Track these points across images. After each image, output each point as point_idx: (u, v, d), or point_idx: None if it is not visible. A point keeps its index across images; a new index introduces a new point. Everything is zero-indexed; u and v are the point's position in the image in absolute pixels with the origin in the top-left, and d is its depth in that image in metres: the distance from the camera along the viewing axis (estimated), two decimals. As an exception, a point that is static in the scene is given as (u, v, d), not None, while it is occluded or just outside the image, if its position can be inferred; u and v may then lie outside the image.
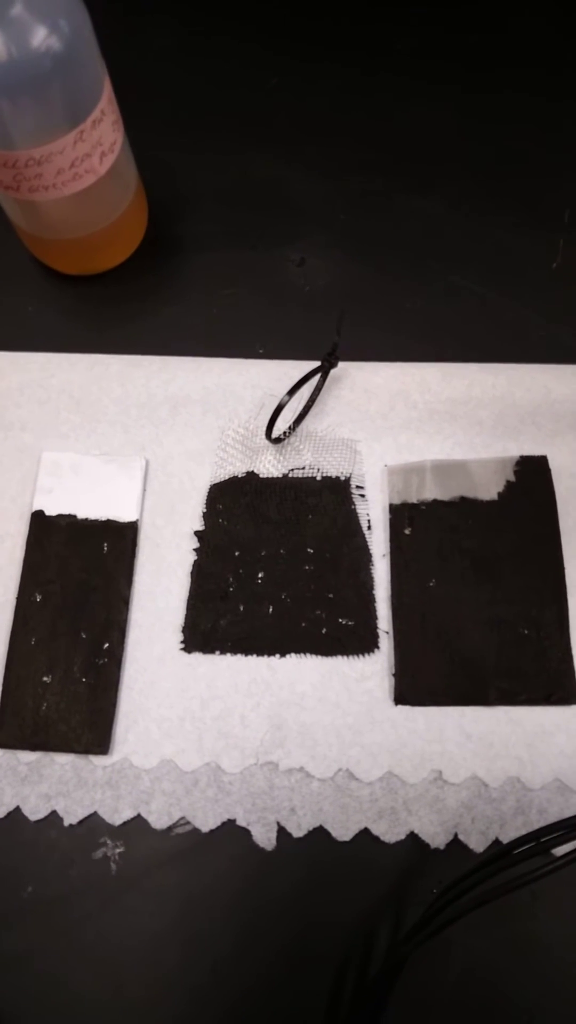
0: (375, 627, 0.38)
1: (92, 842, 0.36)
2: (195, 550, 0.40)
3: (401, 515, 0.40)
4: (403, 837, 0.35)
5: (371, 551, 0.39)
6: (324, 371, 0.41)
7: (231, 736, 0.36)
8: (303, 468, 0.41)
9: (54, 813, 0.36)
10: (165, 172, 0.48)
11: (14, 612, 0.38)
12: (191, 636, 0.38)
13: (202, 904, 0.35)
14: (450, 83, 0.52)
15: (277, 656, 0.38)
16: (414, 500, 0.40)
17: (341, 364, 0.42)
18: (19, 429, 0.42)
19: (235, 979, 0.34)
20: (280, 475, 0.41)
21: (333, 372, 0.42)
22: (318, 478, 0.41)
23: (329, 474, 0.41)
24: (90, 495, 0.40)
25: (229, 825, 0.35)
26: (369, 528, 0.40)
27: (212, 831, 0.35)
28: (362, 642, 0.38)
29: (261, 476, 0.41)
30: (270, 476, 0.41)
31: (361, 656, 0.38)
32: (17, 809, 0.36)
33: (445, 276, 0.46)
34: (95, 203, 0.41)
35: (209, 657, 0.38)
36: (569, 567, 0.38)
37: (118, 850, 0.35)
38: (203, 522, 0.40)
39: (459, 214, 0.47)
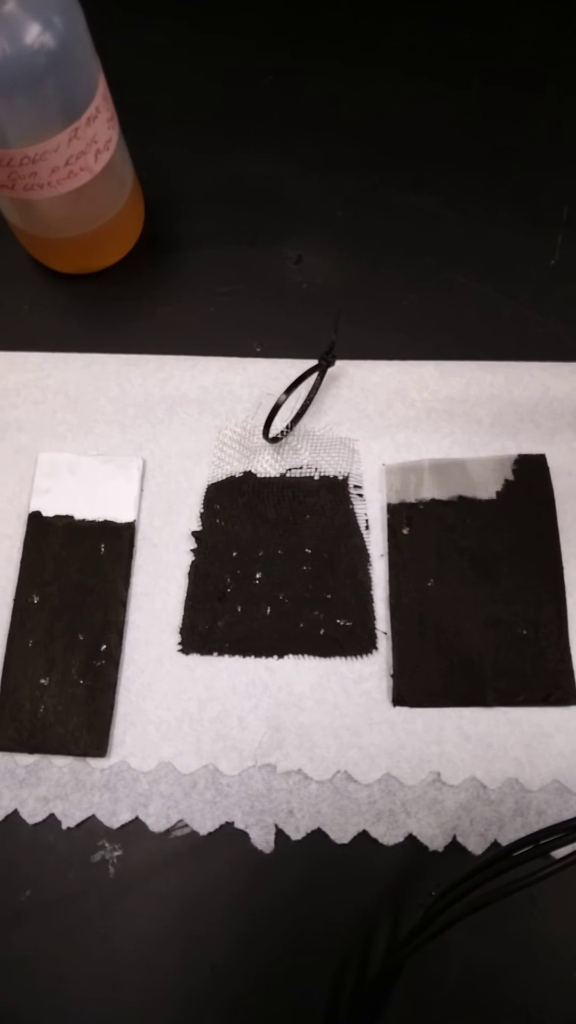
0: (373, 628, 0.38)
1: (90, 845, 0.35)
2: (193, 551, 0.39)
3: (399, 515, 0.40)
4: (402, 839, 0.35)
5: (369, 551, 0.39)
6: (321, 370, 0.41)
7: (229, 738, 0.36)
8: (301, 467, 0.41)
9: (52, 816, 0.36)
10: (161, 170, 0.48)
11: (11, 614, 0.38)
12: (189, 637, 0.38)
13: (200, 907, 0.35)
14: (447, 79, 0.51)
15: (275, 657, 0.38)
16: (412, 499, 0.40)
17: (338, 362, 0.42)
18: (15, 430, 0.42)
19: (234, 981, 0.34)
20: (278, 475, 0.41)
21: (330, 371, 0.42)
22: (316, 477, 0.41)
23: (327, 473, 0.41)
24: (87, 496, 0.40)
25: (227, 828, 0.35)
26: (367, 528, 0.40)
27: (210, 834, 0.35)
28: (360, 643, 0.38)
29: (259, 476, 0.41)
30: (268, 476, 0.41)
31: (359, 657, 0.37)
32: (15, 812, 0.36)
33: (443, 273, 0.46)
34: (91, 201, 0.40)
35: (207, 658, 0.38)
36: (567, 566, 0.38)
37: (116, 853, 0.35)
38: (200, 522, 0.40)
39: (456, 211, 0.47)
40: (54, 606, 0.38)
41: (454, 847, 0.35)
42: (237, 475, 0.41)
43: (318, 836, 0.35)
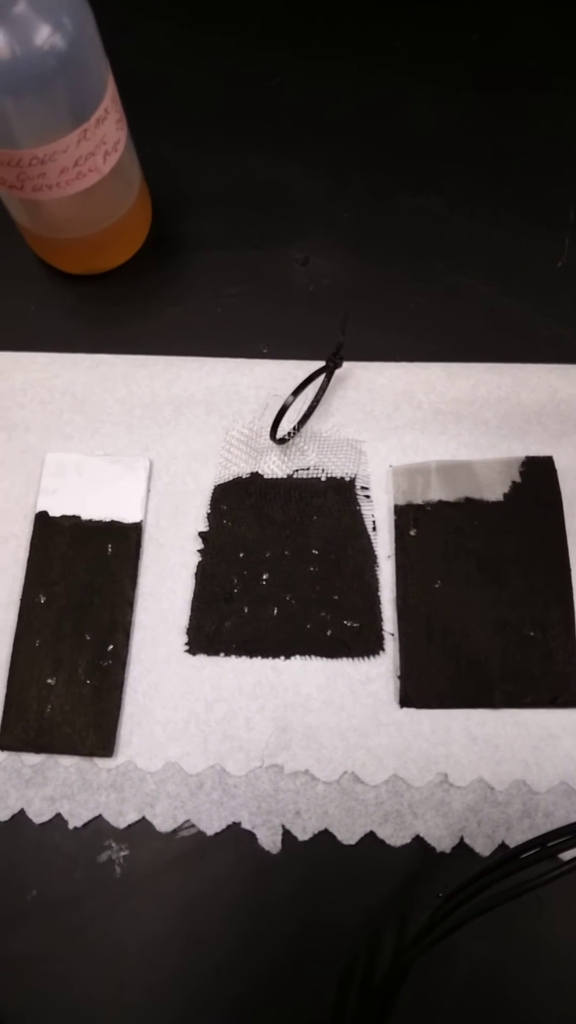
0: (380, 629, 0.38)
1: (97, 845, 0.35)
2: (199, 551, 0.39)
3: (406, 516, 0.40)
4: (409, 840, 0.35)
5: (376, 552, 0.39)
6: (328, 371, 0.41)
7: (236, 739, 0.36)
8: (308, 469, 0.41)
9: (59, 816, 0.36)
10: (168, 171, 0.48)
11: (18, 614, 0.38)
12: (195, 638, 0.38)
13: (206, 907, 0.34)
14: (454, 81, 0.51)
15: (282, 658, 0.37)
16: (419, 501, 0.40)
17: (345, 364, 0.42)
18: (23, 430, 0.42)
19: (239, 982, 0.34)
20: (284, 476, 0.41)
21: (338, 372, 0.42)
22: (323, 479, 0.41)
23: (334, 475, 0.41)
24: (94, 496, 0.40)
25: (234, 828, 0.35)
26: (374, 529, 0.40)
27: (217, 834, 0.35)
28: (367, 644, 0.38)
29: (265, 477, 0.41)
30: (274, 477, 0.41)
31: (366, 658, 0.37)
32: (22, 812, 0.36)
33: (450, 275, 0.46)
34: (98, 202, 0.40)
35: (213, 659, 0.38)
36: (575, 568, 0.38)
37: (123, 853, 0.35)
38: (207, 523, 0.40)
39: (463, 213, 0.47)
40: (61, 606, 0.38)
41: (461, 848, 0.35)
42: (244, 476, 0.41)
43: (325, 837, 0.35)
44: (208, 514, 0.40)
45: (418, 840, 0.35)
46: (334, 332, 0.40)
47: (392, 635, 0.38)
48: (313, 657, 0.37)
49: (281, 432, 0.40)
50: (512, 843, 0.34)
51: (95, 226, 0.42)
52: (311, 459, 0.41)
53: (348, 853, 0.35)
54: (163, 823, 0.35)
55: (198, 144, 0.50)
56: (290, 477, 0.41)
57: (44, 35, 0.32)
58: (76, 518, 0.40)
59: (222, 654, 0.38)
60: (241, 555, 0.39)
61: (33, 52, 0.32)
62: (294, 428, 0.41)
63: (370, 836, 0.35)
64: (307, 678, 0.37)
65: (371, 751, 0.36)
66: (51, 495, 0.40)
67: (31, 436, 0.42)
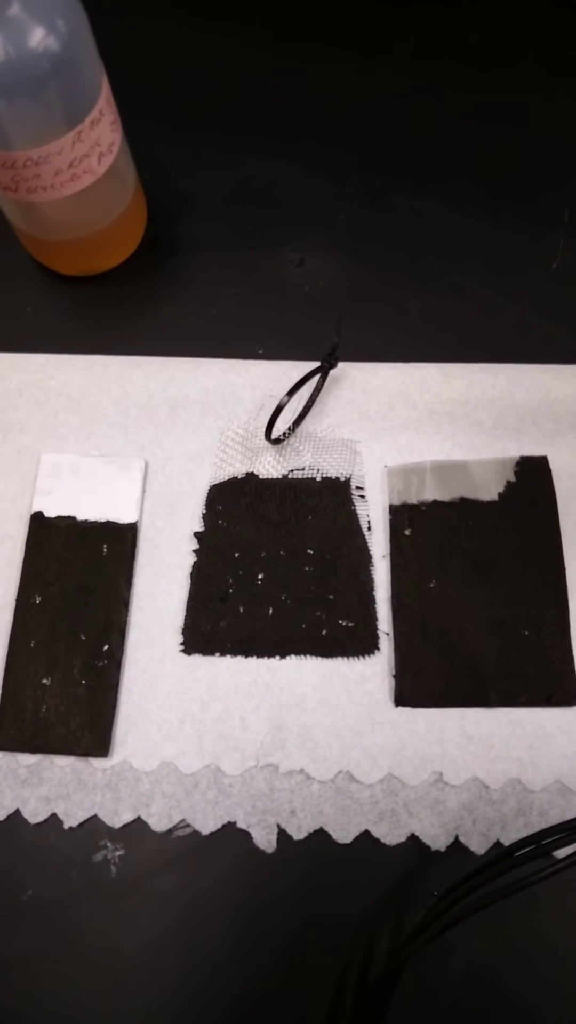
0: (375, 628, 0.38)
1: (92, 845, 0.35)
2: (195, 551, 0.40)
3: (401, 516, 0.40)
4: (404, 839, 0.35)
5: (371, 552, 0.39)
6: (324, 372, 0.41)
7: (231, 738, 0.36)
8: (303, 469, 0.41)
9: (54, 816, 0.36)
10: (164, 172, 0.48)
11: (13, 614, 0.38)
12: (191, 638, 0.38)
13: (202, 907, 0.35)
14: (449, 82, 0.51)
15: (277, 658, 0.38)
16: (414, 501, 0.40)
17: (341, 364, 0.42)
18: (18, 431, 0.42)
19: (235, 982, 0.34)
20: (280, 476, 0.41)
21: (333, 373, 0.42)
22: (318, 479, 0.41)
23: (329, 475, 0.41)
24: (89, 496, 0.40)
25: (229, 827, 0.35)
26: (369, 529, 0.40)
27: (212, 833, 0.35)
28: (362, 643, 0.38)
29: (261, 477, 0.41)
30: (270, 477, 0.41)
31: (361, 657, 0.37)
32: (17, 812, 0.36)
33: (445, 276, 0.46)
34: (94, 204, 0.40)
35: (209, 659, 0.38)
36: (570, 568, 0.38)
37: (118, 853, 0.35)
38: (203, 523, 0.40)
39: (459, 214, 0.47)
40: (56, 606, 0.38)
41: (456, 847, 0.35)
42: (239, 476, 0.41)
43: (320, 836, 0.35)
44: (203, 514, 0.40)
45: (413, 839, 0.35)
46: (329, 333, 0.40)
47: (387, 634, 0.38)
48: (308, 656, 0.38)
49: (276, 432, 0.40)
50: (507, 841, 0.34)
51: (90, 227, 0.42)
52: (306, 459, 0.41)
53: (343, 852, 0.35)
54: (158, 823, 0.35)
55: (194, 145, 0.50)
56: (285, 477, 0.41)
57: (38, 37, 0.33)
58: (71, 519, 0.40)
59: (217, 654, 0.38)
60: (236, 555, 0.39)
61: (27, 54, 0.32)
62: (289, 428, 0.41)
63: (365, 835, 0.35)
64: (302, 677, 0.37)
65: (366, 750, 0.36)
66: (46, 496, 0.40)
67: (26, 437, 0.42)
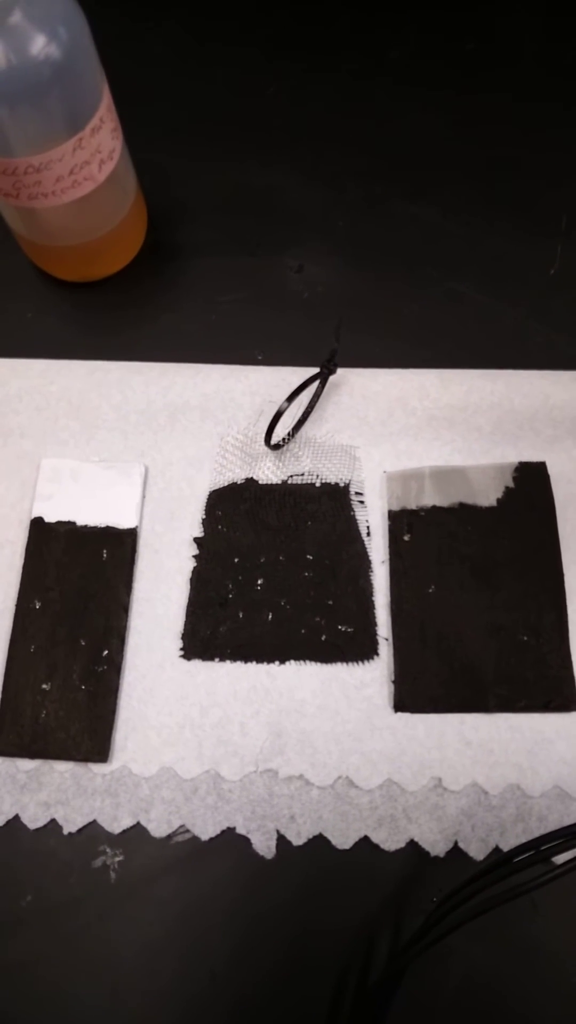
0: (375, 634, 0.38)
1: (91, 850, 0.35)
2: (194, 557, 0.40)
3: (400, 521, 0.40)
4: (403, 845, 0.35)
5: (370, 557, 0.39)
6: (323, 377, 0.41)
7: (230, 743, 0.36)
8: (302, 474, 0.41)
9: (53, 821, 0.36)
10: (164, 179, 0.48)
11: (13, 619, 0.38)
12: (190, 643, 0.38)
13: (201, 912, 0.35)
14: (447, 89, 0.52)
15: (276, 663, 0.38)
16: (413, 506, 0.40)
17: (340, 370, 0.42)
18: (18, 436, 0.42)
19: (234, 988, 0.33)
20: (279, 481, 0.41)
21: (332, 378, 0.42)
22: (317, 484, 0.41)
23: (328, 480, 0.41)
24: (89, 502, 0.40)
25: (229, 833, 0.35)
26: (368, 534, 0.40)
27: (212, 839, 0.35)
28: (362, 649, 0.38)
29: (260, 482, 0.41)
30: (269, 482, 0.41)
31: (361, 663, 0.38)
32: (16, 817, 0.36)
33: (443, 282, 0.46)
34: (94, 210, 0.41)
35: (208, 664, 0.38)
36: (568, 573, 0.38)
37: (117, 858, 0.35)
38: (202, 528, 0.40)
39: (457, 220, 0.48)
40: (56, 612, 0.38)
41: (455, 853, 0.35)
42: (239, 482, 0.41)
43: (319, 842, 0.35)
44: (203, 519, 0.40)
45: (412, 844, 0.35)
46: (328, 339, 0.41)
47: (386, 640, 0.38)
48: (307, 662, 0.38)
49: (276, 438, 0.41)
50: (506, 847, 0.34)
51: (91, 234, 0.42)
52: (305, 465, 0.41)
53: (342, 858, 0.35)
54: (158, 828, 0.35)
55: (193, 152, 0.50)
56: (285, 483, 0.41)
57: (39, 45, 0.33)
58: (71, 524, 0.40)
59: (217, 659, 0.38)
60: (236, 560, 0.39)
61: (28, 62, 0.33)
62: (289, 434, 0.41)
63: (364, 841, 0.35)
64: (301, 683, 0.37)
65: (365, 755, 0.36)
66: (46, 501, 0.40)
67: (27, 442, 0.42)
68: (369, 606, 0.38)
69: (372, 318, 0.45)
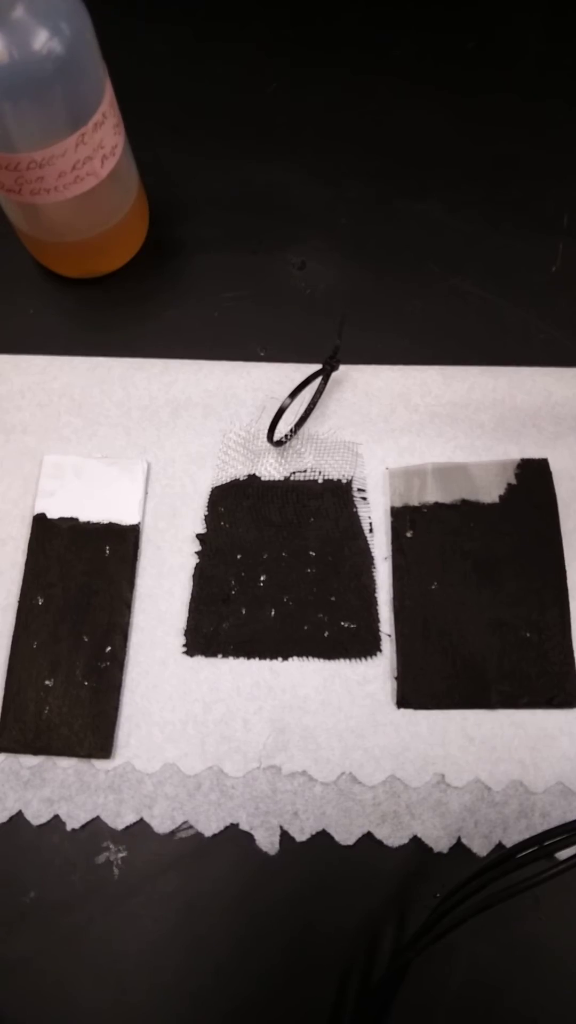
0: (377, 630, 0.38)
1: (95, 846, 0.35)
2: (197, 553, 0.40)
3: (403, 518, 0.40)
4: (406, 841, 0.35)
5: (373, 554, 0.39)
6: (325, 374, 0.41)
7: (234, 740, 0.36)
8: (305, 471, 0.41)
9: (56, 817, 0.36)
10: (166, 176, 0.48)
11: (16, 616, 0.38)
12: (193, 639, 0.38)
13: (204, 908, 0.35)
14: (449, 87, 0.52)
15: (279, 659, 0.38)
16: (415, 503, 0.40)
17: (342, 367, 0.42)
18: (21, 432, 0.42)
19: (237, 984, 0.34)
20: (282, 478, 0.41)
21: (334, 375, 0.42)
22: (320, 481, 0.41)
23: (331, 477, 0.41)
24: (92, 498, 0.40)
25: (232, 829, 0.35)
26: (371, 531, 0.40)
27: (215, 835, 0.35)
28: (364, 645, 0.38)
29: (263, 479, 0.41)
30: (272, 479, 0.41)
31: (363, 659, 0.38)
32: (19, 814, 0.36)
33: (445, 279, 0.46)
34: (96, 206, 0.41)
35: (211, 660, 0.38)
36: (571, 570, 0.38)
37: (120, 855, 0.35)
38: (205, 525, 0.40)
39: (459, 217, 0.47)
40: (59, 608, 0.38)
41: (458, 849, 0.35)
42: (241, 478, 0.41)
43: (323, 838, 0.35)
44: (205, 516, 0.40)
45: (415, 840, 0.35)
46: (331, 335, 0.41)
47: (389, 636, 0.38)
48: (310, 658, 0.38)
49: (278, 434, 0.41)
50: (509, 843, 0.34)
51: (93, 230, 0.42)
52: (308, 461, 0.41)
53: (346, 854, 0.35)
54: (161, 824, 0.35)
55: (196, 149, 0.50)
56: (287, 479, 0.41)
57: (42, 40, 0.33)
58: (74, 520, 0.40)
59: (220, 655, 0.38)
60: (239, 557, 0.39)
61: (31, 57, 0.33)
62: (291, 430, 0.41)
63: (368, 837, 0.35)
64: (304, 679, 0.37)
65: (368, 752, 0.36)
66: (49, 497, 0.40)
67: (29, 438, 0.42)
68: (372, 602, 0.38)
69: (374, 315, 0.45)
